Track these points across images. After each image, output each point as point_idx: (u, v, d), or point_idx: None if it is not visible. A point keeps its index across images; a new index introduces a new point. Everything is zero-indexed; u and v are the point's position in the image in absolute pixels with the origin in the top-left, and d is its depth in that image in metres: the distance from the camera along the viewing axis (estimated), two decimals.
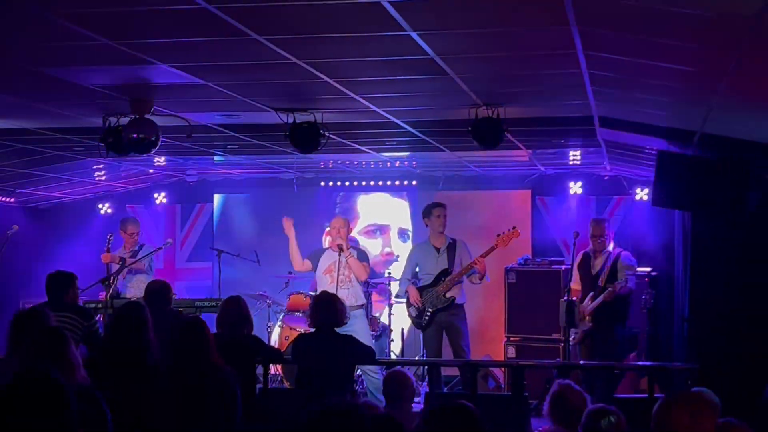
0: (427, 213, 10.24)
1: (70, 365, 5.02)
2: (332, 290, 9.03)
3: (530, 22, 4.82)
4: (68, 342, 5.15)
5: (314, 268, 10.25)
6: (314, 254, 10.42)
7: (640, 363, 9.49)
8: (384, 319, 11.58)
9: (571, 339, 9.31)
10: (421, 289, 10.06)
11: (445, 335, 10.00)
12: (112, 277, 10.14)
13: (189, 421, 5.54)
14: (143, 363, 6.06)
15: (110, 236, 10.73)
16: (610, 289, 9.09)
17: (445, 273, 9.97)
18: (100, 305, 9.98)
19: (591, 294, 9.32)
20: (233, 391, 5.76)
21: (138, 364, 6.04)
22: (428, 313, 9.95)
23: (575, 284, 9.65)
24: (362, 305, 10.14)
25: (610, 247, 9.62)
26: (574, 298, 9.19)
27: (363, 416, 3.47)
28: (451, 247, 10.11)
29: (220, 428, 5.58)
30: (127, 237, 11.36)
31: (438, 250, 10.13)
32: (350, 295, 9.71)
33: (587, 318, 9.27)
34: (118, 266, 10.77)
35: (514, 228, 10.14)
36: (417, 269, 10.29)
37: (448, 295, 9.92)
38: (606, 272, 9.32)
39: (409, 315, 10.26)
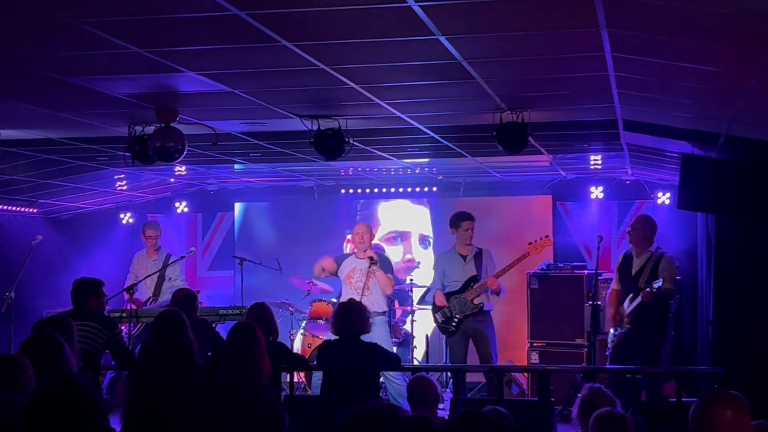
0: (456, 224, 10.22)
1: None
2: (352, 296, 9.08)
3: (560, 24, 4.83)
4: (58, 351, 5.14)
5: (337, 272, 10.28)
6: (339, 258, 10.47)
7: (666, 368, 9.41)
8: (406, 326, 11.58)
9: (609, 342, 9.24)
10: (448, 296, 10.05)
11: (472, 342, 9.98)
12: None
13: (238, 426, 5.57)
14: (191, 369, 6.09)
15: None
16: (648, 290, 8.86)
17: (474, 279, 9.96)
18: (124, 314, 10.03)
19: (630, 296, 9.15)
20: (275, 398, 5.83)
21: (185, 370, 6.06)
22: (456, 319, 9.94)
23: (616, 285, 9.48)
24: (384, 312, 10.14)
25: (653, 247, 9.38)
26: (599, 303, 9.12)
27: (402, 417, 3.46)
28: (478, 255, 10.13)
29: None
30: (146, 240, 11.41)
31: (464, 258, 10.14)
32: (371, 302, 9.72)
33: (626, 320, 9.10)
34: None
35: (546, 236, 10.28)
36: (444, 278, 10.26)
37: (476, 301, 9.90)
38: (647, 273, 9.11)
39: (436, 321, 10.24)
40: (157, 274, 11.18)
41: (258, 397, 6.11)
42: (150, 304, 10.83)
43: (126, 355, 7.39)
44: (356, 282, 10.02)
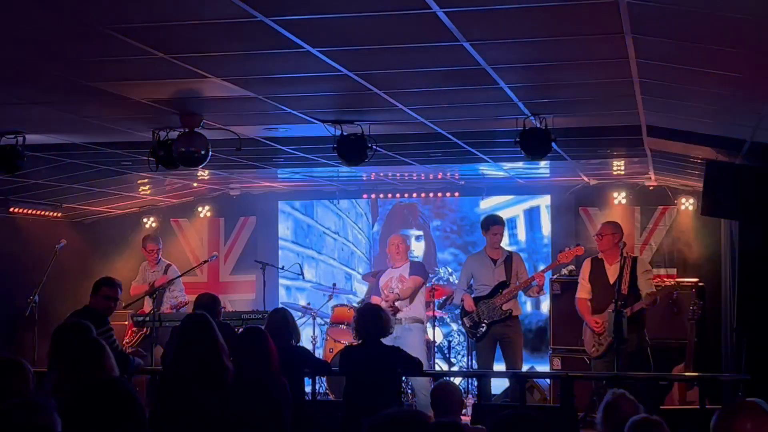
0: (485, 227, 10.24)
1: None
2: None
3: (584, 31, 4.83)
4: (106, 352, 5.16)
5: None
6: (377, 272, 10.72)
7: (689, 374, 9.37)
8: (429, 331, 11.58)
9: (592, 350, 9.21)
10: (476, 300, 10.03)
11: (500, 348, 9.98)
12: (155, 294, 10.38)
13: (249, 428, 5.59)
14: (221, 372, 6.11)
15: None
16: (654, 296, 8.92)
17: (503, 285, 9.95)
18: (147, 318, 10.08)
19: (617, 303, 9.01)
20: (287, 401, 5.82)
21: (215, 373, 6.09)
22: (484, 325, 9.92)
23: (587, 293, 9.35)
24: (420, 320, 10.16)
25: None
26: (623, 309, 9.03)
27: (425, 423, 3.48)
28: (509, 259, 10.11)
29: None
30: (147, 254, 11.49)
31: (495, 261, 10.12)
32: (408, 307, 9.97)
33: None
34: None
35: (577, 245, 10.36)
36: (472, 280, 10.26)
37: (505, 307, 9.88)
38: (626, 278, 8.98)
39: (463, 324, 10.23)
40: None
41: (266, 398, 6.13)
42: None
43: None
44: (393, 289, 10.14)
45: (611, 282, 9.15)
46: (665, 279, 11.31)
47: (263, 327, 7.43)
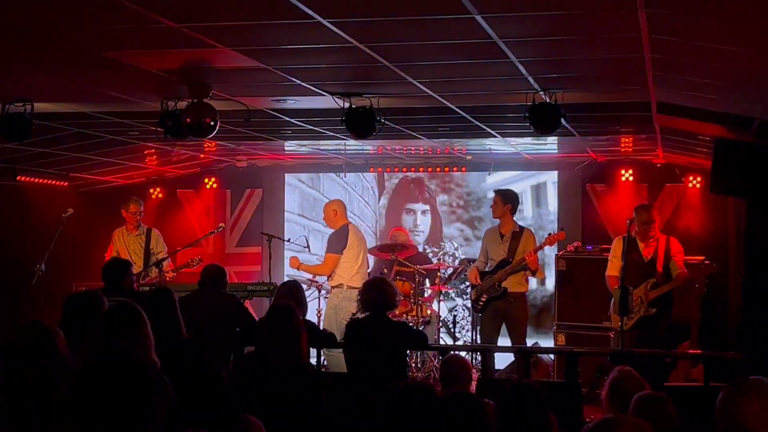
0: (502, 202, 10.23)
1: (147, 342, 4.95)
2: None
3: (597, 5, 4.80)
4: (144, 319, 5.06)
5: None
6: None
7: (694, 352, 9.37)
8: (435, 306, 11.59)
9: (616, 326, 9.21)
10: (482, 275, 10.07)
11: (505, 325, 10.00)
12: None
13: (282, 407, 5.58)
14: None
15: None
16: (686, 276, 8.95)
17: (503, 263, 9.95)
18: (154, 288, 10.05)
19: (651, 281, 9.07)
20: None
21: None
22: (482, 300, 9.97)
23: (617, 271, 9.28)
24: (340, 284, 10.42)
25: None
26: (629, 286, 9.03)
27: (437, 394, 3.48)
28: (516, 236, 10.06)
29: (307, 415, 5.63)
30: (130, 216, 11.22)
31: (503, 236, 10.11)
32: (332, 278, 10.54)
33: (645, 305, 9.04)
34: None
35: (562, 230, 10.45)
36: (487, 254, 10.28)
37: (502, 284, 9.90)
38: (661, 257, 9.07)
39: (470, 296, 10.32)
40: (143, 249, 11.10)
41: (302, 377, 6.10)
42: (142, 279, 10.73)
43: None
44: None
45: (645, 261, 9.17)
46: None
47: (272, 299, 7.46)
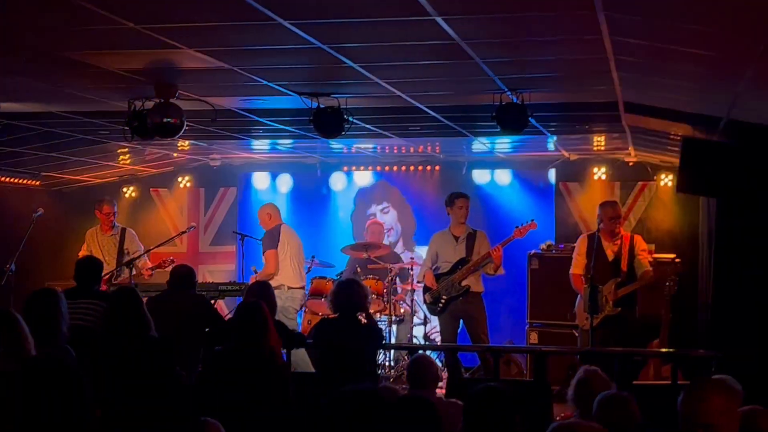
0: (450, 202, 10.24)
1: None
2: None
3: (556, 6, 4.80)
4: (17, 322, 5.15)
5: None
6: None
7: (663, 350, 9.39)
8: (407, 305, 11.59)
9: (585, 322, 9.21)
10: (438, 277, 10.09)
11: (464, 324, 10.01)
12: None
13: (250, 401, 5.59)
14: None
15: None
16: (651, 275, 9.00)
17: (462, 261, 9.98)
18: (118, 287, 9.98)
19: (616, 280, 9.09)
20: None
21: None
22: (442, 301, 9.98)
23: (581, 270, 9.31)
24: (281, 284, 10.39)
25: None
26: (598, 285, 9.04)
27: (388, 399, 3.48)
28: (471, 237, 10.12)
29: (275, 409, 5.64)
30: (104, 217, 11.14)
31: (457, 238, 10.15)
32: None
33: (610, 303, 9.06)
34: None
35: (532, 220, 10.35)
36: (437, 258, 10.29)
37: (463, 283, 9.92)
38: (625, 256, 9.07)
39: (425, 301, 10.33)
40: (116, 249, 11.04)
41: (270, 372, 6.12)
42: (114, 279, 10.67)
43: None
44: None
45: (609, 259, 9.18)
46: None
47: (242, 299, 7.46)
